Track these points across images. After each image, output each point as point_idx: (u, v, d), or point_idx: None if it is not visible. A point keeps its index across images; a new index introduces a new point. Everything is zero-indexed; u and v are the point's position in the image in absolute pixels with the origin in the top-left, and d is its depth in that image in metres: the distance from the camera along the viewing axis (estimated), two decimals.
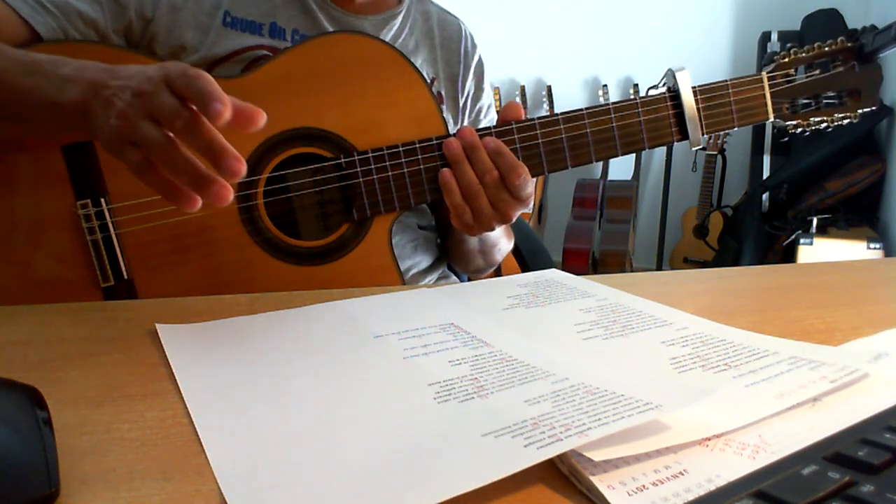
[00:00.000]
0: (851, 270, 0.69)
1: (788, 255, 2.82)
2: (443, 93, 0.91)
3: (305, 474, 0.30)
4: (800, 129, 0.84)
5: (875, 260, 0.81)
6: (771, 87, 0.81)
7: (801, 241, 2.68)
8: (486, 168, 0.72)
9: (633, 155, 3.15)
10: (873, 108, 0.83)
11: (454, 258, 0.94)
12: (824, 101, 0.83)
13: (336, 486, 0.29)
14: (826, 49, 0.82)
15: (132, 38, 0.78)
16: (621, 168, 3.23)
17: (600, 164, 3.17)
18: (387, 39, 0.85)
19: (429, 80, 0.89)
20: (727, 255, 3.01)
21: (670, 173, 3.23)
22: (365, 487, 0.29)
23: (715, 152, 3.18)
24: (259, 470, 0.31)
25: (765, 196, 3.00)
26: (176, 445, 0.34)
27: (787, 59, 0.82)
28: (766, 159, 3.10)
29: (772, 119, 0.82)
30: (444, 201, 0.74)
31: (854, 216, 2.81)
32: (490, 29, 3.22)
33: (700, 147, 0.80)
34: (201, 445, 0.33)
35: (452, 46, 0.93)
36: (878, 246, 2.55)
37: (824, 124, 0.83)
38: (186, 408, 0.37)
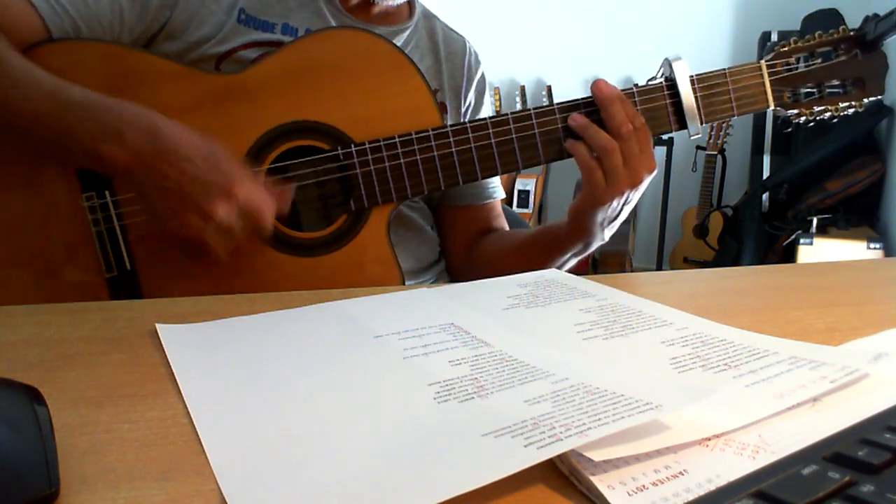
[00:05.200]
0: (851, 270, 0.69)
1: (788, 255, 2.82)
2: (447, 104, 0.92)
3: (305, 474, 0.30)
4: (803, 119, 0.82)
5: (875, 260, 0.81)
6: (770, 75, 0.80)
7: (801, 241, 2.68)
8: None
9: None
10: (880, 96, 0.81)
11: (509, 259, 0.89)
12: (827, 90, 0.81)
13: (336, 486, 0.29)
14: (827, 38, 0.81)
15: (145, 37, 0.79)
16: None
17: None
18: (403, 50, 0.86)
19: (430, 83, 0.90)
20: (727, 255, 3.01)
21: (670, 173, 3.23)
22: (365, 487, 0.29)
23: (715, 152, 3.18)
24: (259, 470, 0.31)
25: (765, 196, 3.00)
26: (176, 445, 0.34)
27: (786, 48, 0.81)
28: (766, 159, 3.10)
29: (772, 107, 0.80)
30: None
31: (854, 216, 2.80)
32: (490, 29, 3.22)
33: (697, 135, 0.79)
34: (201, 445, 0.33)
35: (456, 60, 0.94)
36: (878, 246, 2.55)
37: (828, 113, 0.82)
38: (186, 408, 0.37)
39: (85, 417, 0.36)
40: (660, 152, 3.27)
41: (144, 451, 0.33)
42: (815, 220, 2.77)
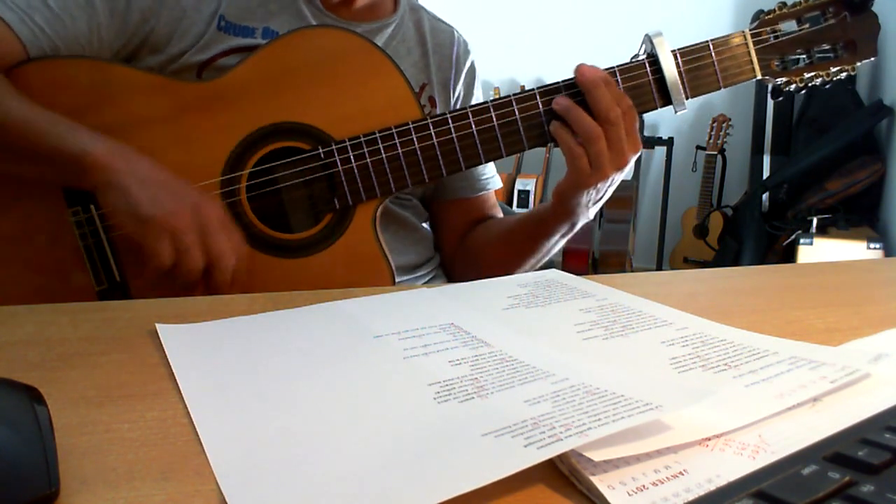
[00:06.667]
0: (851, 270, 0.69)
1: (788, 255, 2.82)
2: (436, 97, 0.91)
3: (305, 474, 0.30)
4: (793, 86, 0.80)
5: (875, 260, 0.80)
6: (755, 43, 0.78)
7: (801, 241, 2.68)
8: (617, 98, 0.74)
9: None
10: (872, 58, 0.79)
11: (504, 249, 0.89)
12: (817, 55, 0.79)
13: (336, 486, 0.29)
14: (814, 3, 0.78)
15: (126, 52, 0.79)
16: None
17: None
18: (378, 45, 0.86)
19: (417, 84, 0.89)
20: (727, 255, 3.01)
21: (670, 173, 3.23)
22: (365, 487, 0.29)
23: (715, 152, 3.18)
24: (259, 470, 0.31)
25: (765, 196, 3.00)
26: (176, 445, 0.34)
27: (771, 16, 0.78)
28: (766, 159, 3.10)
29: (759, 77, 0.78)
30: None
31: (854, 216, 2.80)
32: (490, 29, 3.22)
33: (683, 111, 0.78)
34: (201, 445, 0.33)
35: (444, 52, 0.93)
36: (878, 246, 2.55)
37: (820, 79, 0.79)
38: (186, 408, 0.37)
39: (85, 417, 0.36)
40: (660, 152, 3.28)
41: (144, 451, 0.33)
42: (815, 220, 2.77)
